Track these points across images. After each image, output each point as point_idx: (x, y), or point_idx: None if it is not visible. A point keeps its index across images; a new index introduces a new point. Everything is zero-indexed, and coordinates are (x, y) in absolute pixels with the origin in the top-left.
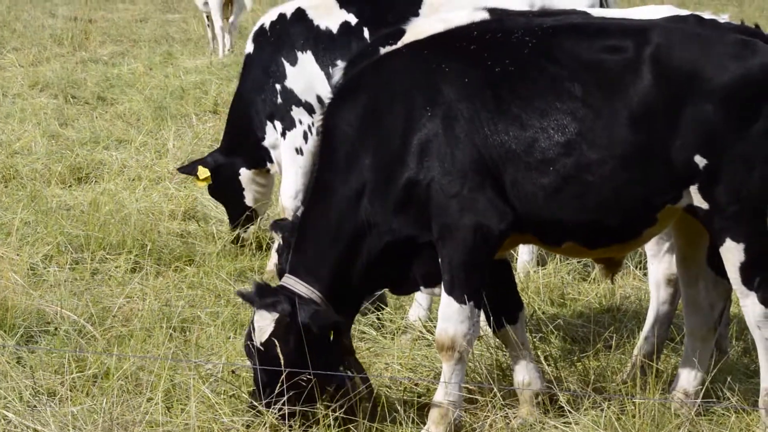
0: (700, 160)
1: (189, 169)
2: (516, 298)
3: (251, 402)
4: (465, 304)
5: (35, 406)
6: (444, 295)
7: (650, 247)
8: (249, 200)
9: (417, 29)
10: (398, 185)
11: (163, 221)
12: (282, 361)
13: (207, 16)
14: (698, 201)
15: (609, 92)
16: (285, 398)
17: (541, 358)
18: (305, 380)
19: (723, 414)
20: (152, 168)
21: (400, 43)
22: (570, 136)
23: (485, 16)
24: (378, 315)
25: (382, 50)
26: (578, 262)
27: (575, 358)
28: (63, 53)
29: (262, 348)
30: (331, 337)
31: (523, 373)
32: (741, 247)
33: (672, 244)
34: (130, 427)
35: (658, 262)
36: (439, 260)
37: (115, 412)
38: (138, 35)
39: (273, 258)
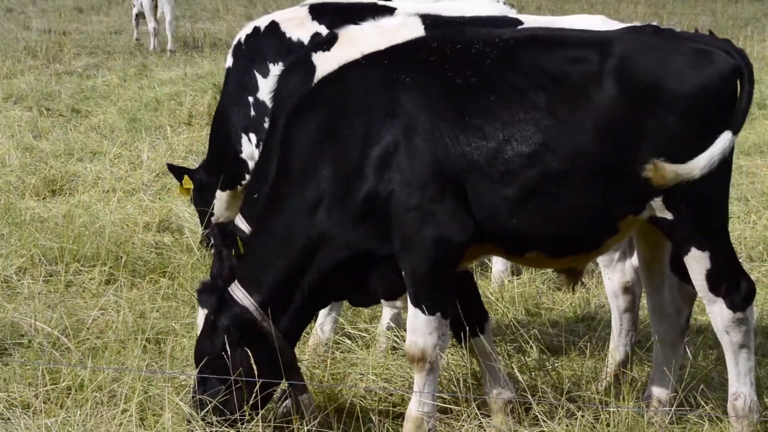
0: None
1: (177, 172)
2: (481, 309)
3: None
4: (432, 315)
5: (9, 419)
6: (410, 307)
7: (602, 258)
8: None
9: (349, 35)
10: (357, 198)
11: (137, 233)
12: (206, 358)
13: (136, 16)
14: (662, 212)
15: (572, 103)
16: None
17: (515, 368)
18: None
19: (697, 422)
20: (126, 180)
21: (333, 48)
22: (533, 147)
23: (417, 21)
24: (354, 325)
25: (314, 56)
26: (552, 270)
27: (549, 367)
28: (37, 65)
29: (195, 345)
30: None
31: (494, 383)
32: (706, 255)
33: (623, 253)
34: None
35: (612, 272)
36: (403, 272)
37: (89, 425)
38: (112, 47)
39: None
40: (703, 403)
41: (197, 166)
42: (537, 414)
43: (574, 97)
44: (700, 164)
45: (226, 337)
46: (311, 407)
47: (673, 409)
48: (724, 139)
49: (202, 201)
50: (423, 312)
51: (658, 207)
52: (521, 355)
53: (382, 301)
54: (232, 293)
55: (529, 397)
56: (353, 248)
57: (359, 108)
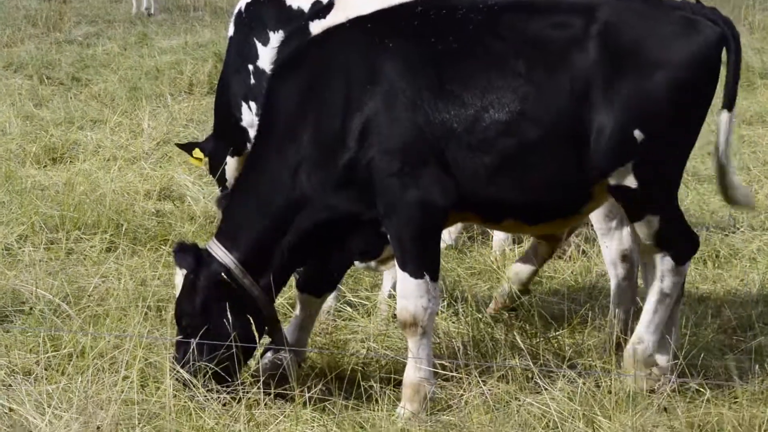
0: (639, 135)
1: (187, 147)
2: (333, 281)
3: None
4: (421, 278)
5: (10, 385)
6: (399, 272)
7: (599, 227)
8: None
9: (345, 2)
10: (338, 164)
11: (138, 201)
12: (189, 318)
13: None
14: (628, 179)
15: (553, 69)
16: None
17: (517, 335)
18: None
19: (698, 390)
20: (127, 148)
21: (330, 15)
22: (512, 114)
23: None
24: (355, 293)
25: (312, 24)
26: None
27: (551, 335)
28: (37, 34)
29: (175, 305)
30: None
31: (294, 336)
32: (657, 218)
33: (620, 221)
34: (106, 406)
35: (609, 240)
36: (389, 237)
37: (90, 391)
38: (113, 16)
39: None
40: (704, 371)
41: (206, 137)
42: (538, 381)
43: (555, 62)
44: (724, 159)
45: (206, 294)
46: (292, 365)
47: (674, 377)
48: (724, 120)
49: (213, 170)
50: (411, 276)
51: (626, 173)
52: (523, 323)
53: (356, 263)
54: (210, 251)
55: (531, 364)
56: (333, 211)
57: (341, 73)
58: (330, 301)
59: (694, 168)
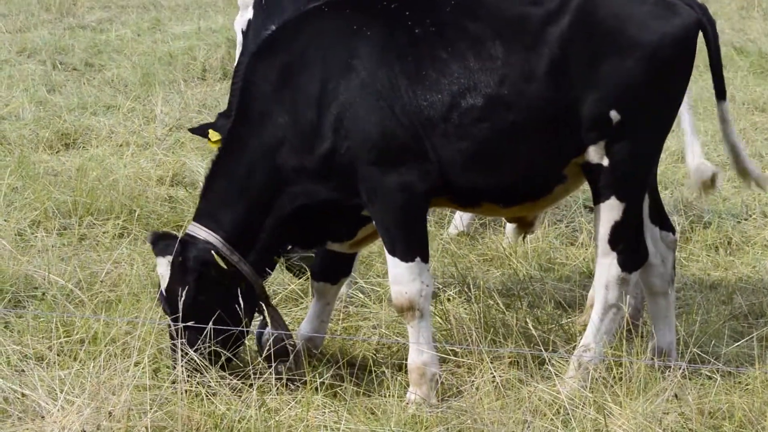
0: (614, 115)
1: (200, 131)
2: (348, 265)
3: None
4: (411, 261)
5: (23, 371)
6: (389, 258)
7: None
8: None
9: None
10: (316, 152)
11: (151, 187)
12: (183, 305)
13: None
14: (600, 157)
15: (530, 49)
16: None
17: (529, 322)
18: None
19: (709, 377)
20: (140, 134)
21: None
22: (488, 99)
23: None
24: (367, 279)
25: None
26: (566, 226)
27: (563, 321)
28: (50, 19)
29: (166, 294)
30: (222, 266)
31: (311, 326)
32: (622, 206)
33: None
34: (118, 391)
35: None
36: (374, 224)
37: (102, 376)
38: (126, 1)
39: None
40: (715, 358)
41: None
42: (550, 367)
43: (532, 41)
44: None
45: (199, 276)
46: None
47: (685, 363)
48: (722, 110)
49: None
50: (401, 260)
51: (598, 151)
52: (535, 309)
53: (328, 244)
54: (193, 234)
55: (543, 350)
56: (311, 196)
57: (317, 59)
58: (342, 287)
59: (707, 155)
